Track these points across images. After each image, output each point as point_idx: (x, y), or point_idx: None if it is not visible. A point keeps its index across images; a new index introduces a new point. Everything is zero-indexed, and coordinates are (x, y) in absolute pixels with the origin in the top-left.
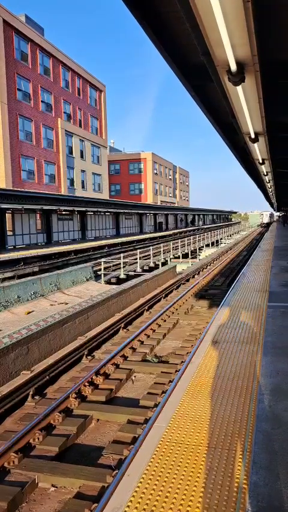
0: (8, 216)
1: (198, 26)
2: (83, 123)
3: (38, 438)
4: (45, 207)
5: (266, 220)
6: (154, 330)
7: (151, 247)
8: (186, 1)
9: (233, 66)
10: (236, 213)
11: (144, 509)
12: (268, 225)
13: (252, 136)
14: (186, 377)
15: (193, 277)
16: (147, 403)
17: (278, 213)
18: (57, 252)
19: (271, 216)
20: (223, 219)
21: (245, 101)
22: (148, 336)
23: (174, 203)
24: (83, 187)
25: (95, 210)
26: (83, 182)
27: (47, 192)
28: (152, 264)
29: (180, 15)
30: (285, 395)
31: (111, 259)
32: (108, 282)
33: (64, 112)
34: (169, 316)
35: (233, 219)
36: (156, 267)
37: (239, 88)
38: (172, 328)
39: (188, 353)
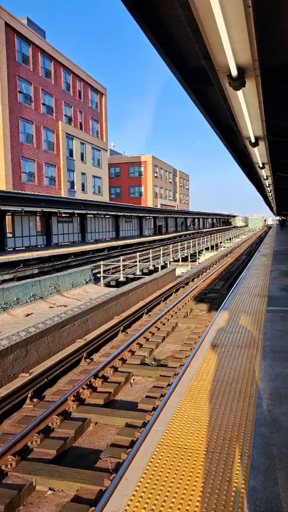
0: (8, 218)
1: (199, 30)
2: (83, 126)
3: (36, 441)
4: (45, 209)
5: (269, 222)
6: (153, 333)
7: (151, 250)
8: (187, 5)
9: (234, 71)
10: (235, 217)
11: None
12: (270, 226)
13: (253, 140)
14: (185, 380)
15: (192, 280)
16: (146, 406)
17: (277, 217)
18: (56, 255)
19: (272, 220)
20: (223, 222)
21: (245, 106)
22: (147, 339)
23: (174, 206)
24: (83, 189)
25: (95, 212)
26: (83, 184)
27: (47, 194)
28: (151, 267)
29: (181, 19)
30: (283, 399)
31: (111, 261)
32: (108, 285)
33: (65, 115)
34: (168, 320)
35: (232, 223)
36: (156, 270)
37: (240, 93)
38: (171, 331)
39: (186, 356)
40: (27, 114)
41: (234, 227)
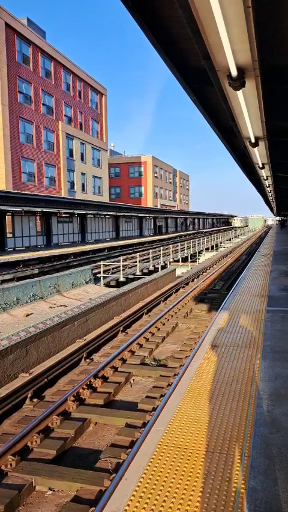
0: (8, 218)
1: (199, 30)
2: (83, 126)
3: (36, 441)
4: (45, 209)
5: (269, 223)
6: (153, 334)
7: (151, 250)
8: (187, 6)
9: (234, 71)
10: (233, 217)
11: None
12: (270, 226)
13: (253, 140)
14: (185, 380)
15: (192, 280)
16: (146, 407)
17: (277, 218)
18: (56, 255)
19: (272, 220)
20: (223, 222)
21: (245, 106)
22: (147, 340)
23: (174, 206)
24: (83, 189)
25: (95, 212)
26: (83, 185)
27: (47, 194)
28: (151, 267)
29: (181, 19)
30: (283, 399)
31: (111, 262)
32: (108, 285)
33: (65, 115)
34: (168, 320)
35: (232, 223)
36: (156, 270)
37: (239, 93)
38: (171, 331)
39: (186, 356)
40: (27, 114)
41: (232, 228)
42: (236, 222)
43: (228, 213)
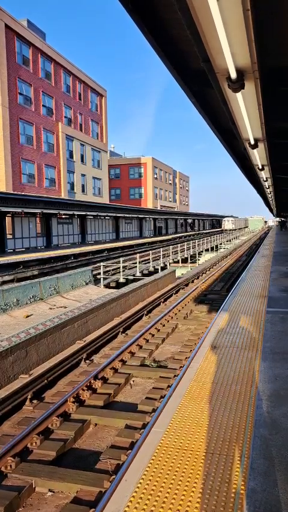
0: (7, 219)
1: (199, 33)
2: (83, 127)
3: (36, 443)
4: (45, 211)
5: (270, 224)
6: (153, 335)
7: (151, 252)
8: (186, 9)
9: (233, 74)
10: (225, 218)
11: None
12: (270, 227)
13: (252, 142)
14: (185, 382)
15: (192, 281)
16: (146, 408)
17: (277, 219)
18: (56, 256)
19: (272, 221)
20: (221, 224)
21: (245, 108)
22: (147, 341)
23: (174, 207)
24: (83, 191)
25: (95, 214)
26: (83, 186)
27: (47, 196)
28: (151, 268)
29: (181, 21)
30: (283, 400)
31: (111, 263)
32: (108, 286)
33: (65, 116)
34: (168, 321)
35: (223, 225)
36: (156, 271)
37: (239, 95)
38: (171, 333)
39: (186, 357)
40: (27, 115)
41: (221, 231)
42: (227, 224)
43: (230, 214)
